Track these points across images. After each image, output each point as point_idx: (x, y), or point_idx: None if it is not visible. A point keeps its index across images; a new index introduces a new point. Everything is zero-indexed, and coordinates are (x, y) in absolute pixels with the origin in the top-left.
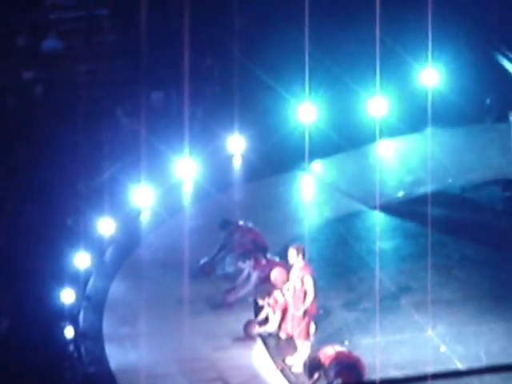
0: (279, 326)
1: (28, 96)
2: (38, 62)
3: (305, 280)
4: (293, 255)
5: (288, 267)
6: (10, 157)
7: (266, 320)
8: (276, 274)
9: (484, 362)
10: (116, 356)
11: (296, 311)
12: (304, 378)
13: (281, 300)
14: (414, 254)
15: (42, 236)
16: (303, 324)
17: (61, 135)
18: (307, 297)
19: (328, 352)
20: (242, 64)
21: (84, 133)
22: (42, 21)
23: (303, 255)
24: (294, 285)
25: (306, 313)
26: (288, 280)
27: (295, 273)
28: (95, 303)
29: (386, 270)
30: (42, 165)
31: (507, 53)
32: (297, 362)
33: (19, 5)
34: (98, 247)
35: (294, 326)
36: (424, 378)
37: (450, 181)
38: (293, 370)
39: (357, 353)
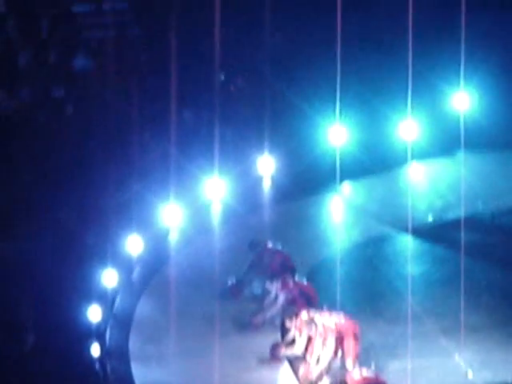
0: (306, 349)
1: (58, 113)
2: (69, 80)
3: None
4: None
5: (313, 290)
6: (39, 173)
7: (292, 342)
8: None
9: None
10: (142, 375)
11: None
12: None
13: (330, 323)
14: (443, 279)
15: (70, 253)
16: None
17: (90, 153)
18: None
19: (355, 376)
20: (273, 85)
21: (113, 151)
22: (73, 38)
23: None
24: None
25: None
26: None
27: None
28: (122, 321)
29: (415, 294)
30: (71, 182)
31: None
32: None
33: (51, 22)
34: (125, 265)
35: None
36: None
37: (481, 206)
38: None
39: (383, 377)
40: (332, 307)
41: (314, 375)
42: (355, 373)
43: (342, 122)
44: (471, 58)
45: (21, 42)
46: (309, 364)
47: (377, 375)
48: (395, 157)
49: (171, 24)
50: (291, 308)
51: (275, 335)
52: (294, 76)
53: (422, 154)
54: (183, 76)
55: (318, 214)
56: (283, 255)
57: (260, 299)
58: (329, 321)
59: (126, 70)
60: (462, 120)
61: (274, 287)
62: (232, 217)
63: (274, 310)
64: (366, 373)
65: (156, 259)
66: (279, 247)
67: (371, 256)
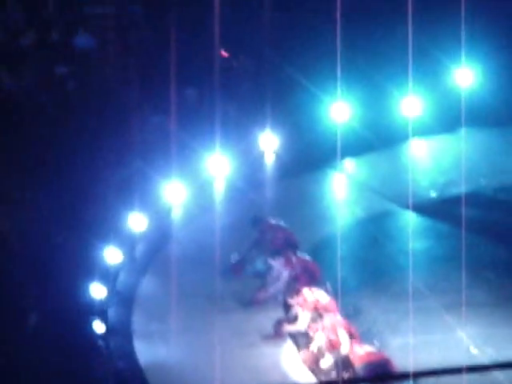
0: (309, 325)
1: (60, 91)
2: (71, 58)
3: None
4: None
5: (316, 266)
6: (41, 150)
7: (295, 319)
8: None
9: None
10: (145, 352)
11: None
12: (333, 377)
13: (310, 298)
14: (446, 254)
15: (72, 230)
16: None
17: (92, 130)
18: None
19: (358, 351)
20: (275, 62)
21: (115, 128)
22: (76, 16)
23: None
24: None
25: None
26: None
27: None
28: (125, 299)
29: (417, 270)
30: (74, 159)
31: None
32: (326, 360)
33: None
34: (128, 242)
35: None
36: (457, 370)
37: (483, 182)
38: (321, 367)
39: (386, 353)
40: (335, 284)
41: (316, 352)
42: (358, 349)
43: (344, 99)
44: (474, 33)
45: (23, 21)
46: (312, 341)
47: (380, 351)
48: (397, 133)
49: (174, 2)
50: (294, 284)
51: (278, 312)
52: (296, 52)
53: (425, 131)
54: (185, 53)
55: (320, 190)
56: (286, 232)
57: (263, 276)
58: (310, 297)
59: (128, 47)
60: (464, 96)
61: (277, 264)
62: (234, 194)
63: (276, 287)
64: (369, 349)
65: (159, 237)
66: (282, 224)
67: (374, 232)
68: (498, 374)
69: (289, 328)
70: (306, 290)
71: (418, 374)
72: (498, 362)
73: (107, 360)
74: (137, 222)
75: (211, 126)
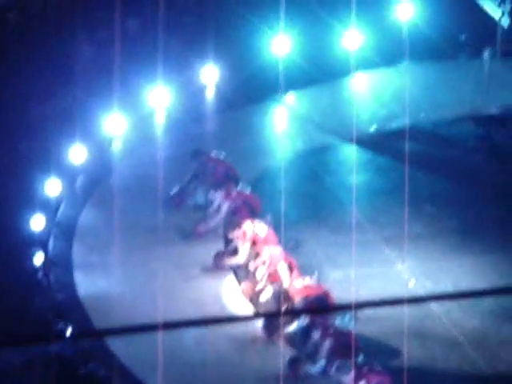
0: (249, 259)
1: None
2: None
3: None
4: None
5: (257, 199)
6: None
7: (235, 251)
8: None
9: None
10: (85, 284)
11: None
12: (272, 308)
13: (249, 231)
14: (386, 188)
15: (10, 163)
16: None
17: (32, 61)
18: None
19: (297, 285)
20: None
21: (56, 59)
22: None
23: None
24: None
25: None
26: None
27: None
28: (65, 231)
29: (358, 204)
30: (12, 90)
31: None
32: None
33: None
34: (68, 175)
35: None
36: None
37: (423, 116)
38: (261, 300)
39: (325, 286)
40: (275, 217)
41: (256, 285)
42: (297, 281)
43: (286, 31)
44: None
45: None
46: (252, 274)
47: (319, 284)
48: (339, 67)
49: None
50: (234, 217)
51: (218, 245)
52: None
53: (366, 64)
54: None
55: (261, 123)
56: (226, 165)
57: (203, 208)
58: (250, 230)
59: None
60: (405, 30)
61: (218, 196)
62: (175, 126)
63: (217, 220)
64: (308, 281)
65: (99, 169)
66: (222, 156)
67: (314, 166)
68: (434, 306)
69: (229, 261)
70: (246, 223)
71: (358, 306)
72: (434, 294)
73: (46, 291)
74: (77, 153)
75: (153, 58)
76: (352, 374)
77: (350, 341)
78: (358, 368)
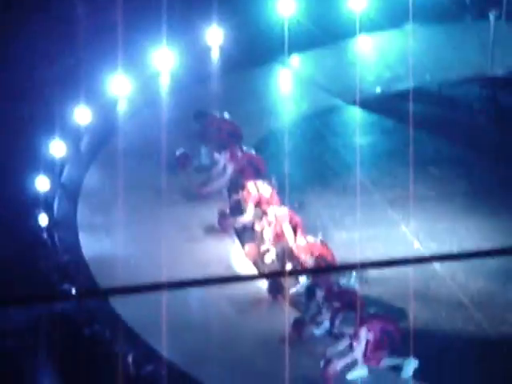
0: (254, 220)
1: None
2: None
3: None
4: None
5: (261, 160)
6: None
7: (240, 212)
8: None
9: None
10: (90, 245)
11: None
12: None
13: (254, 192)
14: (390, 150)
15: (15, 124)
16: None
17: (36, 22)
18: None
19: (301, 244)
20: None
21: (60, 20)
22: None
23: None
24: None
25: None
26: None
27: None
28: (70, 192)
29: (362, 165)
30: (16, 51)
31: None
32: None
33: None
34: (73, 136)
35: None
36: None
37: (428, 78)
38: (265, 261)
39: (330, 247)
40: (280, 178)
41: (261, 246)
42: (300, 240)
43: None
44: None
45: None
46: (257, 235)
47: (322, 243)
48: (344, 28)
49: None
50: (239, 178)
51: (223, 206)
52: None
53: (371, 26)
54: None
55: (266, 85)
56: (231, 125)
57: (208, 170)
58: (254, 191)
59: None
60: None
61: (222, 157)
62: (180, 87)
63: (221, 181)
64: (313, 240)
65: (104, 130)
66: (227, 117)
67: (319, 128)
68: (439, 267)
69: (235, 221)
70: (250, 184)
71: (362, 266)
72: (438, 254)
73: (51, 252)
74: (82, 114)
75: (157, 19)
76: (356, 323)
77: (355, 299)
78: (361, 317)
